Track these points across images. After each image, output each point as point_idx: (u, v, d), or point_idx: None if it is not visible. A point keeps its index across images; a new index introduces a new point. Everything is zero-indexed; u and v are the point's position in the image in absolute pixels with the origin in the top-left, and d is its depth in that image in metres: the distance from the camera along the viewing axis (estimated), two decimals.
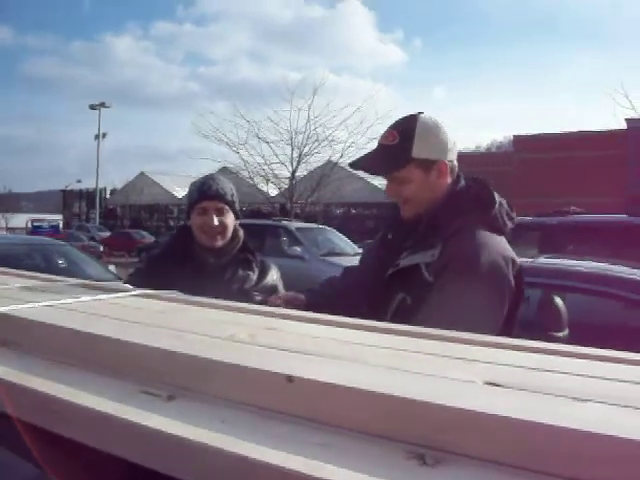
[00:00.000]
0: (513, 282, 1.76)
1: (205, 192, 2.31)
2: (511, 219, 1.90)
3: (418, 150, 1.85)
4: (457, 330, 1.57)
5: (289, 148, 27.81)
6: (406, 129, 1.88)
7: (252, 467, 0.60)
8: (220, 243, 2.34)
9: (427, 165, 1.86)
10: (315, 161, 27.93)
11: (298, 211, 28.90)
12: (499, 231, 1.84)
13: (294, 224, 14.46)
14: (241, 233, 2.44)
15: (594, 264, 4.31)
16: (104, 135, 48.60)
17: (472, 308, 1.64)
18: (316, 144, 27.32)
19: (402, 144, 1.86)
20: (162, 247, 2.61)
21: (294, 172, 28.00)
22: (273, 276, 2.45)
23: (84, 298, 1.34)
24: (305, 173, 28.81)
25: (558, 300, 3.80)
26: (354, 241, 14.95)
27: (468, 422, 0.62)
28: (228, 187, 2.38)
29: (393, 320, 1.61)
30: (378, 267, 1.94)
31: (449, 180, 1.90)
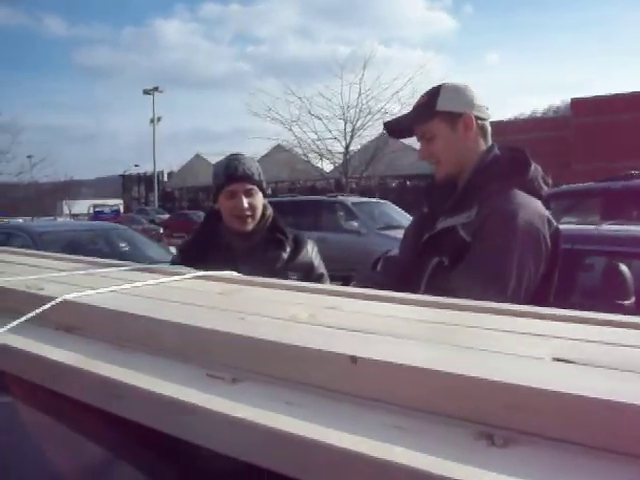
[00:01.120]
0: (550, 242, 1.79)
1: (232, 174, 2.24)
2: (547, 184, 1.92)
3: (442, 103, 1.91)
4: (494, 284, 1.66)
5: (342, 123, 27.79)
6: (433, 90, 1.97)
7: (319, 450, 0.60)
8: (251, 226, 2.27)
9: (452, 118, 1.91)
10: (368, 135, 27.82)
11: (353, 186, 28.83)
12: (536, 194, 1.86)
13: (350, 199, 14.42)
14: (269, 211, 2.37)
15: None
16: (159, 119, 49.31)
17: (509, 263, 1.70)
18: (369, 117, 27.21)
19: (428, 101, 1.95)
20: (192, 234, 2.55)
21: (348, 147, 27.93)
22: (308, 252, 2.36)
23: (144, 282, 1.35)
24: (359, 147, 28.71)
25: (624, 267, 3.70)
26: (411, 214, 14.81)
27: (537, 401, 0.60)
28: (254, 166, 2.30)
29: (429, 285, 1.72)
30: (415, 242, 1.97)
31: (478, 138, 1.94)
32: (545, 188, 1.91)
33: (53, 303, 1.10)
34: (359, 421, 0.64)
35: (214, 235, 2.33)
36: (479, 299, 1.61)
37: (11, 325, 1.04)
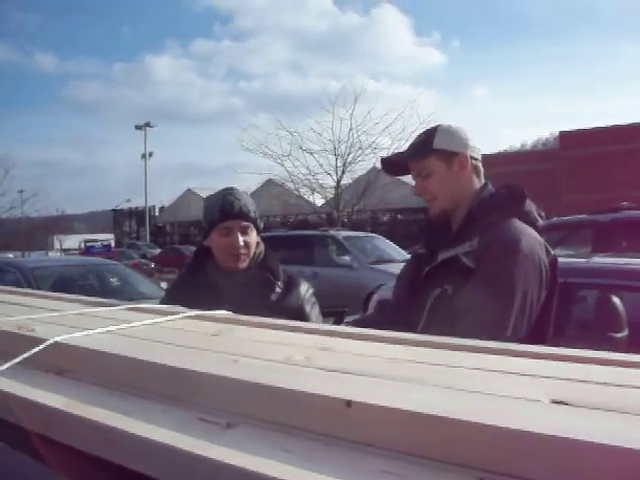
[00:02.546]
0: (548, 268, 1.85)
1: (228, 211, 2.16)
2: (541, 216, 2.00)
3: (439, 142, 1.97)
4: (502, 312, 1.71)
5: (333, 157, 27.91)
6: (430, 130, 2.05)
7: None
8: (245, 264, 2.20)
9: (448, 157, 1.97)
10: (359, 169, 28.00)
11: (345, 220, 28.88)
12: (532, 225, 1.93)
13: (342, 233, 14.46)
14: (260, 248, 2.29)
15: None
16: (150, 154, 49.36)
17: (514, 286, 1.75)
18: (360, 152, 27.39)
19: (425, 139, 2.01)
20: (180, 273, 2.47)
21: (339, 181, 28.07)
22: (300, 295, 2.25)
23: (137, 322, 1.34)
24: (350, 181, 28.84)
25: (616, 300, 3.71)
26: (402, 247, 14.83)
27: (535, 446, 0.59)
28: (250, 202, 2.23)
29: (430, 315, 1.77)
30: (412, 280, 2.02)
31: (473, 176, 2.00)
32: (540, 221, 1.98)
33: (44, 345, 1.09)
34: (353, 467, 0.63)
35: (202, 274, 2.26)
36: (485, 319, 1.66)
37: (1, 368, 1.03)
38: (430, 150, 1.97)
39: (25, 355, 1.06)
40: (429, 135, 2.00)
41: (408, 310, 1.91)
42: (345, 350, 1.05)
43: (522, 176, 32.30)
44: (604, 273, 4.03)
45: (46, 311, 1.57)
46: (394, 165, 2.22)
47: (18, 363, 1.05)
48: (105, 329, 1.24)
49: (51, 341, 1.11)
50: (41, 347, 1.09)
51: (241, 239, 2.16)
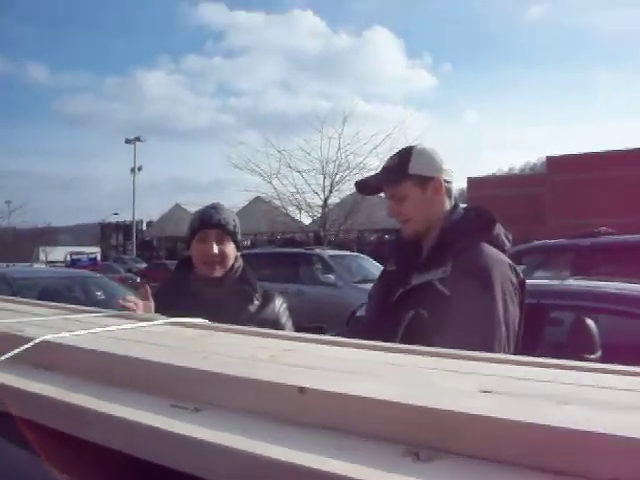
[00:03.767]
0: (519, 290, 1.92)
1: (206, 221, 2.29)
2: (509, 240, 2.05)
3: (414, 167, 2.03)
4: (488, 337, 1.75)
5: (321, 177, 28.09)
6: (405, 152, 2.10)
7: (267, 465, 0.69)
8: (219, 273, 2.28)
9: (423, 182, 2.03)
10: (347, 189, 28.08)
11: (332, 238, 29.01)
12: (501, 249, 1.98)
13: (327, 252, 14.55)
14: (239, 263, 2.38)
15: (624, 285, 4.31)
16: (139, 168, 49.55)
17: (496, 317, 1.80)
18: (347, 172, 27.56)
19: (400, 163, 2.07)
20: (162, 281, 2.55)
21: (326, 200, 28.23)
22: (275, 308, 2.35)
23: (118, 326, 1.43)
24: (337, 201, 28.99)
25: (589, 322, 3.81)
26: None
27: (459, 422, 0.70)
28: (230, 217, 2.34)
29: (405, 335, 1.78)
30: (383, 299, 2.05)
31: (445, 199, 2.05)
32: (507, 244, 2.04)
33: (33, 343, 1.18)
34: (301, 441, 0.73)
35: (184, 283, 2.33)
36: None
37: None
38: (405, 175, 2.02)
39: (16, 351, 1.15)
40: (404, 159, 2.05)
41: (379, 330, 1.88)
42: (307, 351, 1.16)
43: (509, 200, 32.75)
44: (577, 295, 4.14)
45: (33, 315, 1.66)
46: (368, 185, 2.28)
47: (9, 359, 1.14)
48: (88, 331, 1.33)
49: (39, 339, 1.20)
50: (30, 344, 1.18)
51: (216, 247, 2.26)
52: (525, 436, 0.66)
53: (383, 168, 2.17)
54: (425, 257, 1.99)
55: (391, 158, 2.14)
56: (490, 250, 1.93)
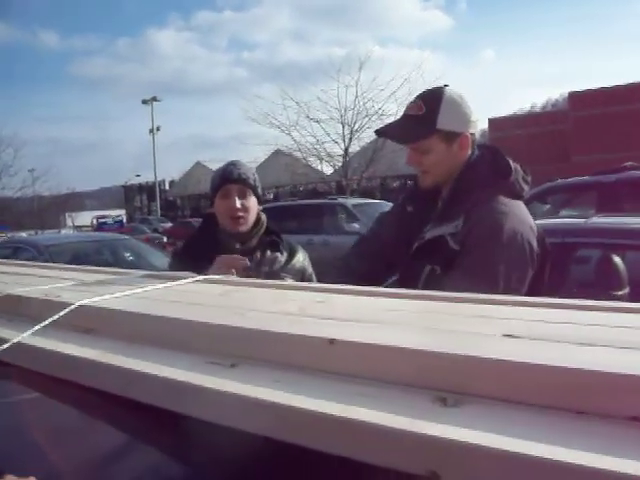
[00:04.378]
0: (536, 245, 1.85)
1: (227, 177, 2.32)
2: (527, 183, 1.97)
3: (443, 121, 1.91)
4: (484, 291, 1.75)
5: (340, 126, 27.87)
6: (432, 101, 1.94)
7: (296, 413, 0.73)
8: (244, 228, 2.32)
9: (450, 137, 1.93)
10: (367, 136, 27.91)
11: (355, 187, 28.93)
12: (517, 196, 1.93)
13: (350, 200, 14.52)
14: (264, 217, 2.43)
15: None
16: (158, 128, 49.51)
17: (496, 274, 1.75)
18: (366, 119, 27.32)
19: (427, 115, 1.92)
20: (187, 239, 2.57)
21: (347, 149, 28.07)
22: (300, 258, 2.44)
23: (151, 287, 1.47)
24: (358, 149, 28.81)
25: (616, 258, 3.80)
26: None
27: (484, 367, 0.73)
28: (250, 172, 2.37)
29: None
30: (398, 238, 2.05)
31: (469, 152, 1.97)
32: (526, 188, 1.97)
33: (70, 308, 1.23)
34: (332, 390, 0.76)
35: (211, 238, 2.36)
36: None
37: (34, 329, 1.17)
38: (433, 131, 1.91)
39: (55, 317, 1.20)
40: (432, 109, 1.91)
41: (407, 277, 1.94)
42: (336, 302, 1.19)
43: (532, 138, 32.30)
44: (602, 232, 4.12)
45: (67, 281, 1.71)
46: (389, 135, 2.18)
47: (49, 324, 1.19)
48: (122, 293, 1.38)
49: (77, 304, 1.24)
50: (68, 309, 1.22)
51: (238, 202, 2.30)
52: (548, 379, 0.68)
53: (408, 116, 2.00)
54: (439, 209, 1.96)
55: (416, 103, 1.97)
56: (503, 206, 1.85)
